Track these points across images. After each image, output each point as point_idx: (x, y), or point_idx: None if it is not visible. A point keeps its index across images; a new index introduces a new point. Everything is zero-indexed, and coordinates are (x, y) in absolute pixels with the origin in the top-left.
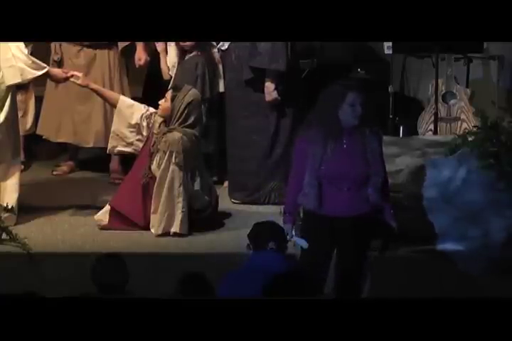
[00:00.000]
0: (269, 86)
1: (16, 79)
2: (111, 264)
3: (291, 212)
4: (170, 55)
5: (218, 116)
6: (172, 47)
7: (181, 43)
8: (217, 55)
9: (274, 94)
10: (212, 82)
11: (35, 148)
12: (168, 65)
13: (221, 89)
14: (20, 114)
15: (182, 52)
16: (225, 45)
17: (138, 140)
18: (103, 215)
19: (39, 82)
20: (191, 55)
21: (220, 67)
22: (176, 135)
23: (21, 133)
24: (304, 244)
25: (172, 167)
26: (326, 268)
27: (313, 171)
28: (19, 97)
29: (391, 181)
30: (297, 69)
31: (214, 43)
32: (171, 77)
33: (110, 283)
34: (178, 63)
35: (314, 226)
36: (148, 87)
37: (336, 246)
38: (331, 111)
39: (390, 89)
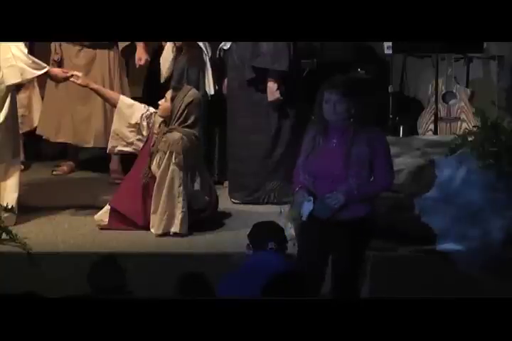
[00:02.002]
0: (272, 86)
1: (16, 79)
2: (106, 268)
3: (302, 186)
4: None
5: (218, 117)
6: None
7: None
8: (205, 57)
9: (277, 94)
10: (197, 83)
11: (35, 148)
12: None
13: (211, 91)
14: (24, 110)
15: (178, 52)
16: (227, 45)
17: (138, 140)
18: (103, 215)
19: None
20: (182, 55)
21: (209, 68)
22: (176, 135)
23: (27, 129)
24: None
25: (172, 167)
26: (323, 269)
27: (302, 168)
28: (24, 93)
29: None
30: (298, 69)
31: (201, 44)
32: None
33: (107, 287)
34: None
35: (310, 226)
36: (148, 87)
37: (331, 246)
38: (318, 109)
39: (390, 89)
